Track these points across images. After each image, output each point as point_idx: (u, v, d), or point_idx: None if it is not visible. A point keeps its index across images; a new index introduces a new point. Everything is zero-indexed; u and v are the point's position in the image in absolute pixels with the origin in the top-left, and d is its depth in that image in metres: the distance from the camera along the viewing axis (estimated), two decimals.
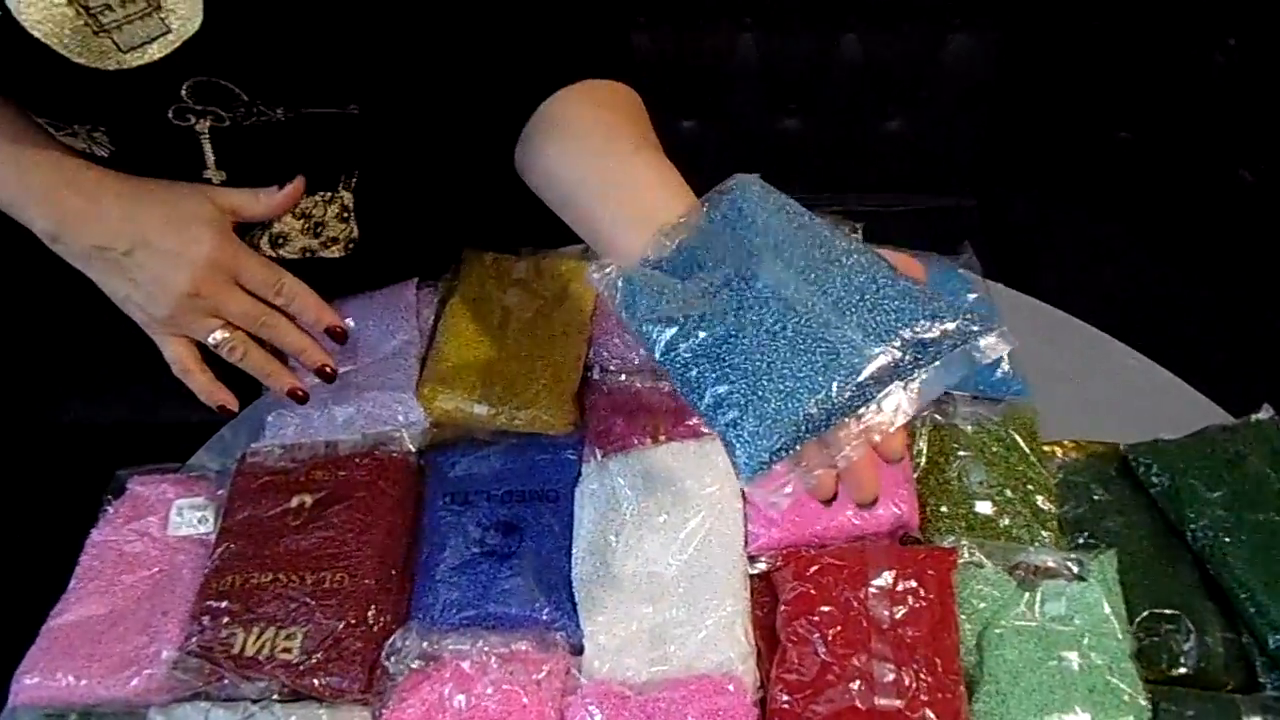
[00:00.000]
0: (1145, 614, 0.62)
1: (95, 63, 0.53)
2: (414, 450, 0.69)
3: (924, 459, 0.71)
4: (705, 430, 0.72)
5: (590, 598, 0.64)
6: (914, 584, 0.61)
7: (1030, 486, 0.69)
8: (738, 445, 0.43)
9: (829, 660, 0.58)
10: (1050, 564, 0.63)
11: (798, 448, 0.42)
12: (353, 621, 0.59)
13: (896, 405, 0.42)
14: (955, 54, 1.39)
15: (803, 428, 0.42)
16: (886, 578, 0.61)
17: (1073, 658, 0.59)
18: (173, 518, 0.68)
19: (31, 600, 0.66)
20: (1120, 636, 0.60)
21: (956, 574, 0.63)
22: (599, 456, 0.70)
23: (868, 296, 0.44)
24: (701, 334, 0.45)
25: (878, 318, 0.43)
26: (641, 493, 0.67)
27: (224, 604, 0.59)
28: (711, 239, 0.49)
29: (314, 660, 0.57)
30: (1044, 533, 0.67)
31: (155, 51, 0.54)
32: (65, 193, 0.59)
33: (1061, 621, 0.60)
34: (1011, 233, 1.48)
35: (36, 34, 0.51)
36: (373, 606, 0.60)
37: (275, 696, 0.57)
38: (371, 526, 0.63)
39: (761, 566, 0.65)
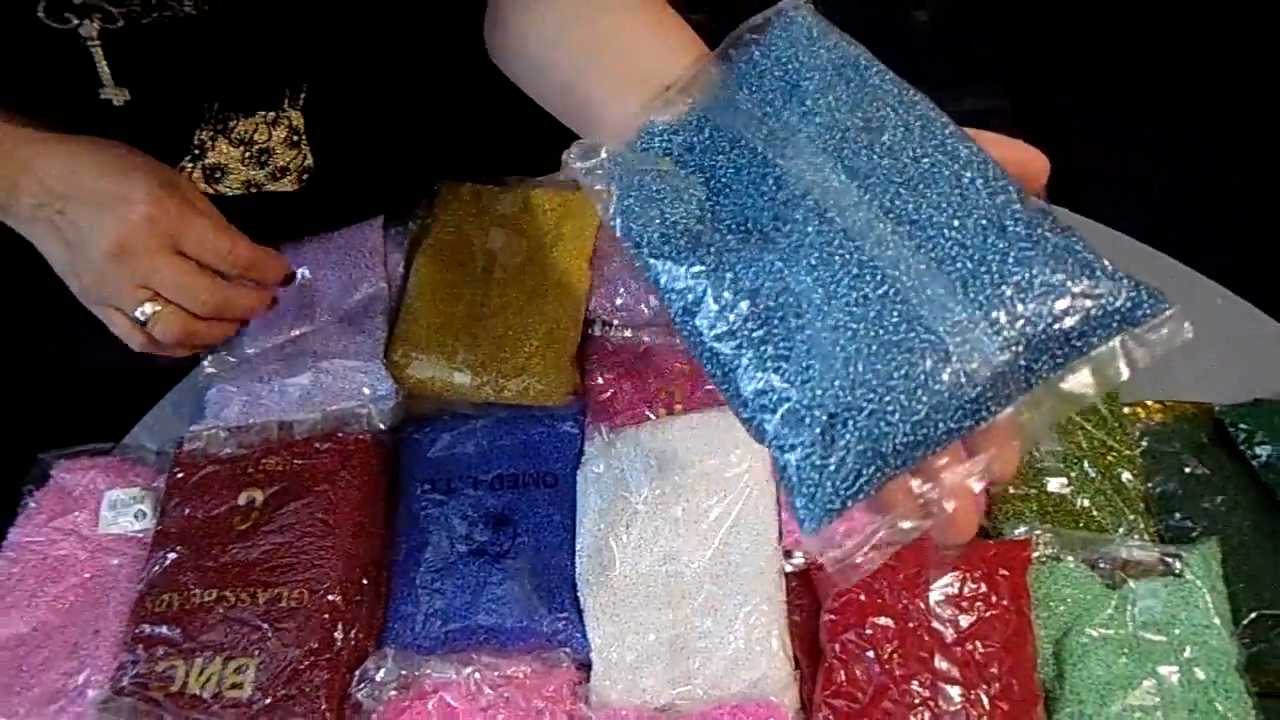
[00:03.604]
0: (1253, 615, 0.53)
1: None
2: (384, 429, 0.59)
3: None
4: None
5: (598, 604, 0.54)
6: (983, 587, 0.51)
7: (1111, 458, 0.59)
8: (797, 480, 0.31)
9: (885, 683, 0.49)
10: (1141, 557, 0.54)
11: (880, 487, 0.31)
12: (315, 647, 0.49)
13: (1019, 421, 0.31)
14: None
15: (892, 461, 0.30)
16: (950, 579, 0.52)
17: (1171, 674, 0.50)
18: (104, 513, 0.58)
19: None
20: (1227, 646, 0.51)
21: (1031, 571, 0.53)
22: (604, 432, 0.59)
23: (988, 241, 0.31)
24: (738, 291, 0.32)
25: (1000, 281, 0.30)
26: (655, 475, 0.57)
27: (161, 630, 0.50)
28: (738, 109, 0.36)
29: (270, 698, 0.48)
30: (1130, 515, 0.57)
31: None
32: (20, 150, 0.50)
33: (1156, 629, 0.51)
34: (1052, 138, 1.34)
35: None
36: (339, 627, 0.50)
37: None
38: (335, 528, 0.53)
39: (799, 562, 0.55)
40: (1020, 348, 0.30)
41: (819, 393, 0.31)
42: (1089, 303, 0.30)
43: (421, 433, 0.60)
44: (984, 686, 0.49)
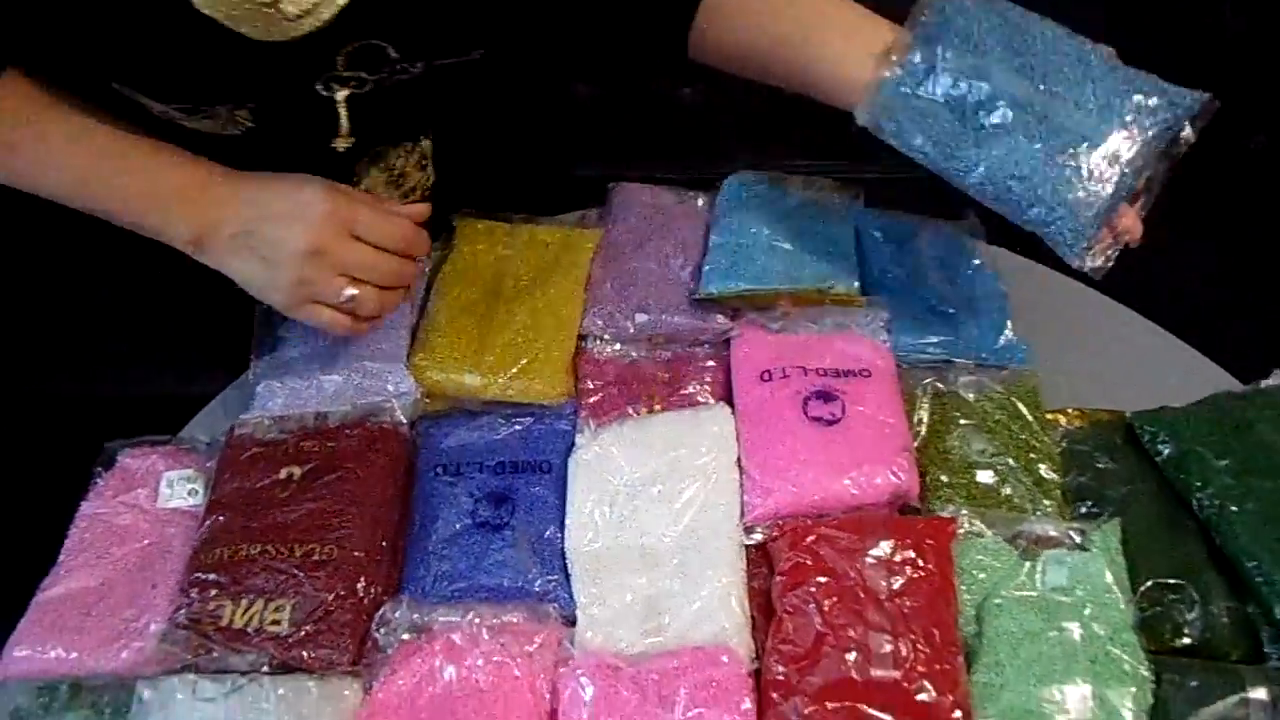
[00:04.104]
0: (1149, 584, 0.61)
1: (263, 35, 0.54)
2: (405, 421, 0.68)
3: (924, 428, 0.69)
4: (700, 399, 0.71)
5: (583, 569, 0.63)
6: (912, 554, 0.60)
7: (1033, 455, 0.68)
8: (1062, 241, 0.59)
9: (825, 631, 0.57)
10: (1052, 533, 0.62)
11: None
12: (342, 593, 0.58)
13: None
14: None
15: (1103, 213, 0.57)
16: (884, 548, 0.60)
17: (1074, 629, 0.58)
18: (162, 490, 0.67)
19: (21, 573, 0.65)
20: (1123, 607, 0.59)
21: (956, 544, 0.62)
22: (592, 427, 0.69)
23: (1109, 83, 0.57)
24: (991, 163, 0.58)
25: (1123, 103, 0.57)
26: (635, 462, 0.66)
27: (212, 576, 0.59)
28: (948, 54, 0.58)
29: (303, 632, 0.56)
30: (1046, 502, 0.65)
31: (325, 14, 0.54)
32: (203, 194, 0.59)
33: (1063, 592, 0.59)
34: None
35: (205, 10, 0.52)
36: (362, 578, 0.59)
37: (264, 669, 0.56)
38: (361, 498, 0.62)
39: (758, 537, 0.64)
40: (1141, 134, 0.56)
41: (1060, 196, 0.57)
42: (1170, 102, 0.56)
43: (436, 426, 0.70)
44: (910, 635, 0.57)
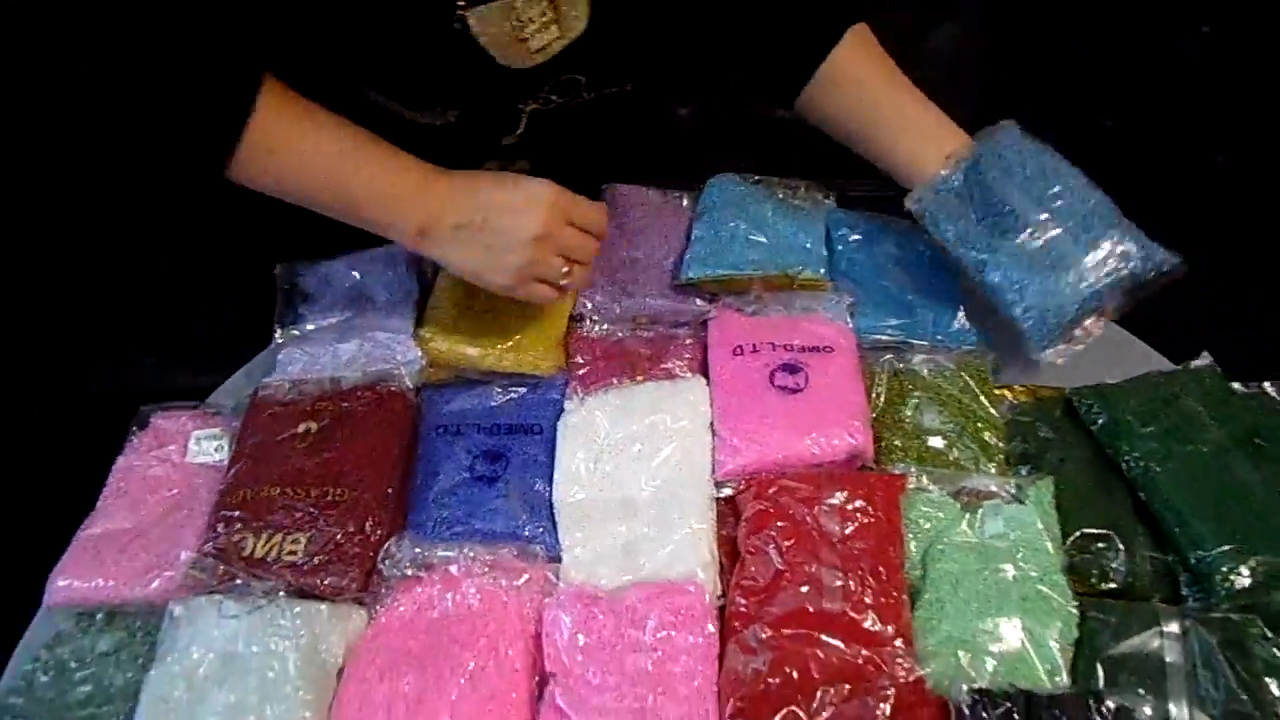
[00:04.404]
0: (1078, 534, 0.67)
1: (505, 60, 0.66)
2: (411, 386, 0.76)
3: (882, 400, 0.76)
4: (679, 373, 0.78)
5: (569, 517, 0.69)
6: (863, 503, 0.67)
7: (979, 424, 0.75)
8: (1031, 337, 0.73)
9: (783, 569, 0.64)
10: (992, 489, 0.69)
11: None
12: (351, 530, 0.65)
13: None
14: (938, 45, 1.45)
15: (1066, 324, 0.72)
16: (839, 498, 0.67)
17: (1008, 570, 0.64)
18: (191, 446, 0.74)
19: (60, 518, 0.72)
20: (1053, 553, 0.65)
21: (905, 498, 0.68)
22: (580, 394, 0.76)
23: (1098, 222, 0.72)
24: (997, 263, 0.73)
25: (1104, 242, 0.72)
26: (618, 424, 0.73)
27: (237, 513, 0.66)
28: (990, 174, 0.73)
29: (316, 562, 0.63)
30: (990, 465, 0.72)
31: (553, 51, 0.67)
32: (426, 191, 0.66)
33: (999, 539, 0.66)
34: None
35: (476, 36, 0.63)
36: (370, 518, 0.66)
37: (281, 593, 0.63)
38: (370, 450, 0.70)
39: (727, 492, 0.71)
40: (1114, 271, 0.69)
41: (1039, 298, 0.72)
42: (1145, 256, 0.70)
43: (439, 392, 0.77)
44: (859, 573, 0.63)
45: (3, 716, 0.60)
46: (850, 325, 0.80)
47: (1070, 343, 0.75)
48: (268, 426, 0.72)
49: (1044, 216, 0.72)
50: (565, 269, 0.70)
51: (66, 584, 0.66)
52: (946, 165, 0.74)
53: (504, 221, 0.66)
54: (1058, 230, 0.72)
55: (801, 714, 0.57)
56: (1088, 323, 0.74)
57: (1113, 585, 0.66)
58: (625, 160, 0.94)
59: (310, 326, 0.79)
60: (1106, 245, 0.72)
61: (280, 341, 0.79)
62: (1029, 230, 0.72)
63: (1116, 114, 1.58)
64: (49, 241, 1.14)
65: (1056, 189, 0.73)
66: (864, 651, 0.60)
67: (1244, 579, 0.62)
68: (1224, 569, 0.63)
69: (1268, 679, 0.60)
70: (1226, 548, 0.63)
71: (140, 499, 0.71)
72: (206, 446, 0.74)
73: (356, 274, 0.83)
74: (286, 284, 0.83)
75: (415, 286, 0.82)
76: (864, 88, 0.76)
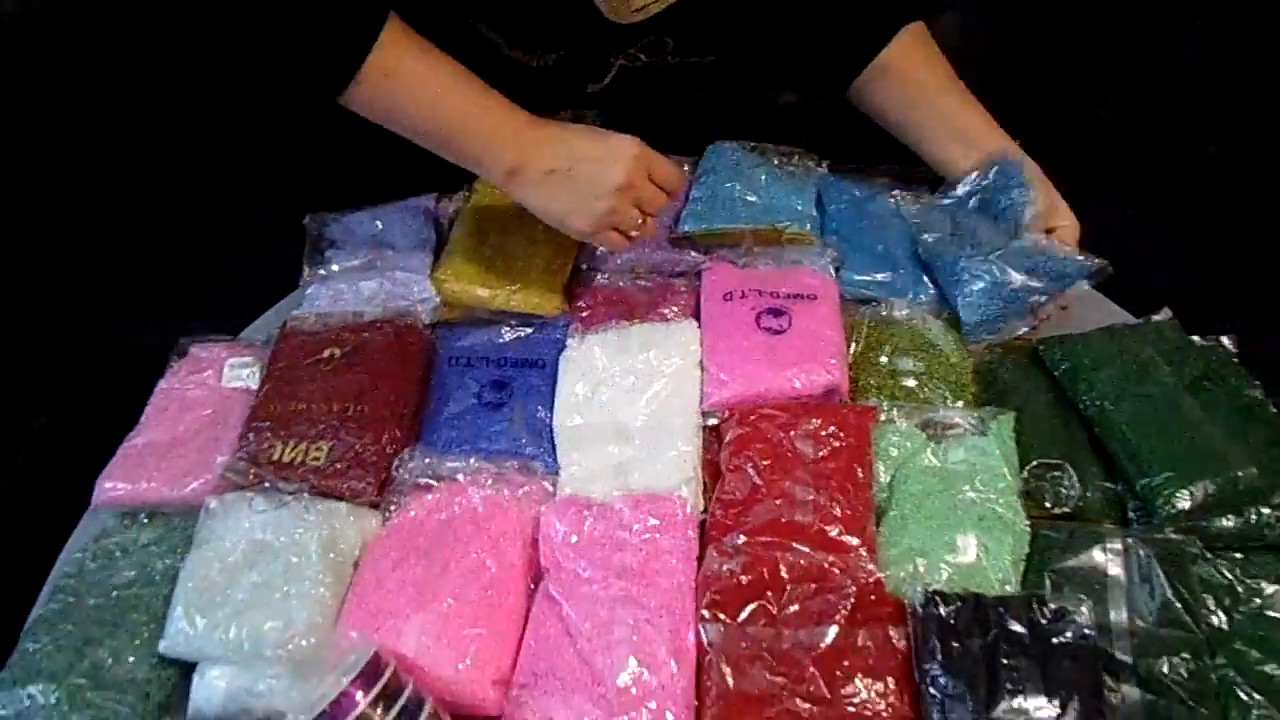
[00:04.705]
0: (1035, 463, 0.73)
1: (610, 13, 0.73)
2: (426, 323, 0.82)
3: (861, 346, 0.82)
4: (673, 316, 0.84)
5: (567, 440, 0.76)
6: (836, 430, 0.73)
7: (951, 369, 0.81)
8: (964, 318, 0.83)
9: (759, 484, 0.70)
10: (957, 421, 0.74)
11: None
12: (369, 441, 0.72)
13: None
14: (936, 36, 1.51)
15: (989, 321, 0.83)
16: (814, 424, 0.73)
17: (967, 492, 0.70)
18: (225, 373, 0.82)
19: (99, 449, 0.78)
20: (1010, 478, 0.71)
21: (876, 428, 0.74)
22: (581, 332, 0.82)
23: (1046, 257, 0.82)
24: (958, 265, 0.84)
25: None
26: (615, 360, 0.80)
27: (267, 424, 0.73)
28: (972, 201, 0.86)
29: (337, 467, 0.70)
30: (958, 404, 0.78)
31: (652, 11, 0.74)
32: (522, 135, 0.72)
33: (961, 465, 0.71)
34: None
35: None
36: (386, 432, 0.73)
37: (305, 494, 0.69)
38: (388, 373, 0.76)
39: (713, 421, 0.77)
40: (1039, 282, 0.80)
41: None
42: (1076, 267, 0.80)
43: (451, 330, 0.84)
44: (829, 490, 0.69)
45: (56, 594, 0.67)
46: (834, 278, 0.86)
47: (999, 335, 0.84)
48: (295, 353, 0.79)
49: (1005, 243, 0.82)
50: (640, 220, 0.75)
51: (112, 486, 0.73)
52: (966, 170, 0.85)
53: (591, 171, 0.71)
54: (1008, 250, 0.82)
55: (771, 607, 0.63)
56: (1016, 322, 0.84)
57: (1064, 510, 0.71)
58: (685, 129, 0.99)
59: (335, 268, 0.86)
60: (1044, 261, 0.81)
61: (308, 280, 0.86)
62: (990, 249, 0.83)
63: (1112, 104, 1.63)
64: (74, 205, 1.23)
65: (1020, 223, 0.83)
66: (830, 557, 0.66)
67: (1184, 503, 0.68)
68: (1166, 493, 0.68)
69: (1203, 594, 0.66)
70: (1170, 474, 0.69)
71: (179, 417, 0.78)
72: (240, 372, 0.81)
73: (379, 224, 0.90)
74: (314, 232, 0.90)
75: (432, 235, 0.89)
76: (909, 84, 0.85)
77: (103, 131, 1.23)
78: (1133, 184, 1.58)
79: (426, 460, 0.72)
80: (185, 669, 0.64)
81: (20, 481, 1.13)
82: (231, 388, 0.81)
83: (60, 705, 0.60)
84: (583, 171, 0.72)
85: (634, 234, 0.77)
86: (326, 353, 0.78)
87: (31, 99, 1.22)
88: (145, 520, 0.72)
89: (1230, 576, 0.67)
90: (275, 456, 0.70)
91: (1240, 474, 0.68)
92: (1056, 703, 0.58)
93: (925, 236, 0.88)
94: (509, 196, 0.76)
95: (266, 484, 0.70)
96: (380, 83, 0.67)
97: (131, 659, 0.63)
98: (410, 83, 0.69)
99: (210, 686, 0.62)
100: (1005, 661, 0.59)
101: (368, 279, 0.84)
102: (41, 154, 1.25)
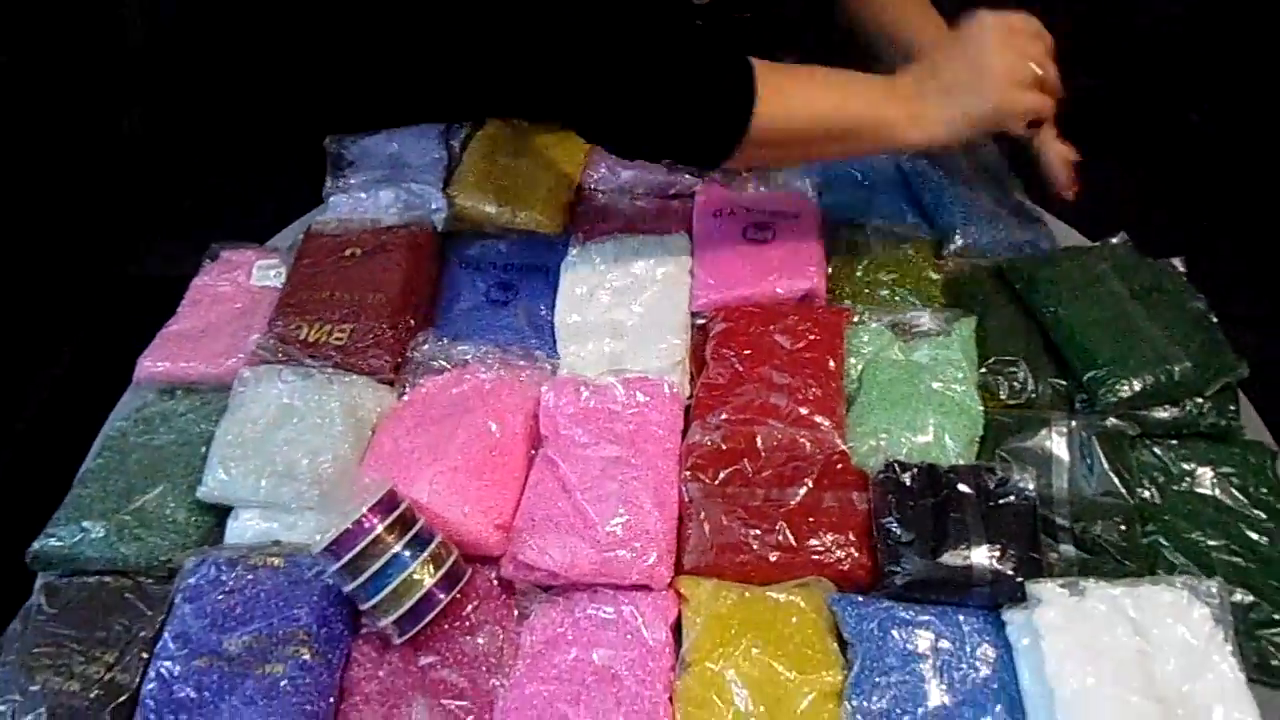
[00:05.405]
0: (992, 359, 0.80)
1: None
2: (438, 230, 0.90)
3: (839, 261, 0.89)
4: (667, 231, 0.91)
5: (567, 334, 0.83)
6: (812, 325, 0.80)
7: (922, 282, 0.87)
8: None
9: (740, 371, 0.77)
10: (923, 322, 0.81)
11: None
12: (388, 325, 0.79)
13: None
14: None
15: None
16: (791, 320, 0.80)
17: (929, 382, 0.77)
18: (255, 272, 0.89)
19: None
20: (969, 372, 0.78)
21: (848, 328, 0.81)
22: (582, 240, 0.89)
23: None
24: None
25: None
26: (613, 266, 0.87)
27: (294, 308, 0.80)
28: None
29: (358, 346, 0.77)
30: (926, 308, 0.85)
31: None
32: (892, 95, 0.75)
33: (925, 359, 0.78)
34: None
35: None
36: (400, 320, 0.80)
37: (329, 369, 0.76)
38: (405, 268, 0.83)
39: (701, 321, 0.84)
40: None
41: None
42: None
43: (463, 239, 0.91)
44: (804, 375, 0.76)
45: (103, 452, 0.75)
46: (816, 200, 0.93)
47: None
48: (319, 251, 0.86)
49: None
50: (1038, 71, 0.73)
51: (152, 364, 0.80)
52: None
53: (959, 61, 0.73)
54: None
55: (748, 469, 0.70)
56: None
57: (1018, 401, 0.78)
58: None
59: (355, 179, 0.93)
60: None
61: (330, 190, 0.93)
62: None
63: (1098, 73, 1.69)
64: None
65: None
66: (802, 432, 0.73)
67: (1125, 391, 0.74)
68: (1109, 383, 0.75)
69: (1139, 474, 0.73)
70: (1113, 367, 0.75)
71: (211, 308, 0.86)
72: (268, 272, 0.88)
73: (395, 144, 0.97)
74: (335, 151, 0.97)
75: (444, 154, 0.96)
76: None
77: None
78: (1116, 147, 1.65)
79: (439, 344, 0.79)
80: (219, 515, 0.71)
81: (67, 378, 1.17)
82: (260, 285, 0.88)
83: (109, 537, 0.68)
84: (952, 69, 0.73)
85: (1046, 85, 0.74)
86: (348, 252, 0.85)
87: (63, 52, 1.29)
88: (182, 395, 0.79)
89: (1164, 459, 0.74)
90: (302, 336, 0.78)
91: (1176, 369, 0.75)
92: (996, 550, 0.65)
93: (908, 164, 0.95)
94: (933, 145, 0.77)
95: (294, 359, 0.77)
96: (780, 103, 0.71)
97: (172, 504, 0.70)
98: (801, 99, 0.73)
99: (244, 526, 0.69)
100: (953, 515, 0.66)
101: (385, 190, 0.91)
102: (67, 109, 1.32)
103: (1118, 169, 1.55)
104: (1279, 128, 1.55)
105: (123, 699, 0.60)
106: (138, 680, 0.61)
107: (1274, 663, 0.64)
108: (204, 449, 0.73)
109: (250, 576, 0.64)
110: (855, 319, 0.82)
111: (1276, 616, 0.66)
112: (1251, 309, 0.85)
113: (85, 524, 0.68)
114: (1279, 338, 1.25)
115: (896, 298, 0.86)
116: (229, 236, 0.94)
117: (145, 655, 0.62)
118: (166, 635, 0.62)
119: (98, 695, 0.60)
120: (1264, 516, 0.71)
